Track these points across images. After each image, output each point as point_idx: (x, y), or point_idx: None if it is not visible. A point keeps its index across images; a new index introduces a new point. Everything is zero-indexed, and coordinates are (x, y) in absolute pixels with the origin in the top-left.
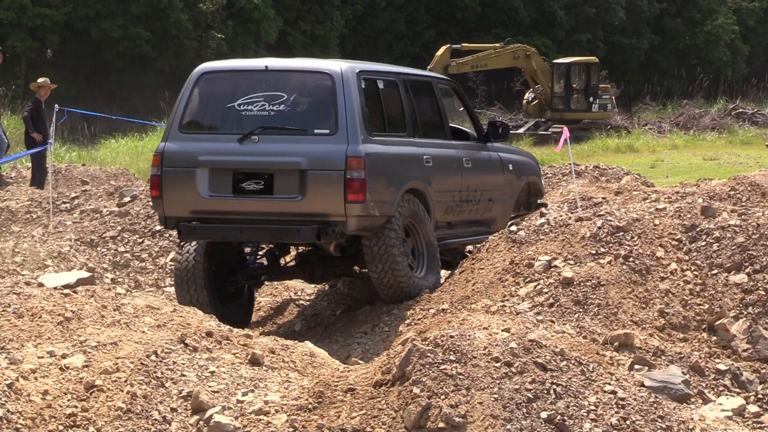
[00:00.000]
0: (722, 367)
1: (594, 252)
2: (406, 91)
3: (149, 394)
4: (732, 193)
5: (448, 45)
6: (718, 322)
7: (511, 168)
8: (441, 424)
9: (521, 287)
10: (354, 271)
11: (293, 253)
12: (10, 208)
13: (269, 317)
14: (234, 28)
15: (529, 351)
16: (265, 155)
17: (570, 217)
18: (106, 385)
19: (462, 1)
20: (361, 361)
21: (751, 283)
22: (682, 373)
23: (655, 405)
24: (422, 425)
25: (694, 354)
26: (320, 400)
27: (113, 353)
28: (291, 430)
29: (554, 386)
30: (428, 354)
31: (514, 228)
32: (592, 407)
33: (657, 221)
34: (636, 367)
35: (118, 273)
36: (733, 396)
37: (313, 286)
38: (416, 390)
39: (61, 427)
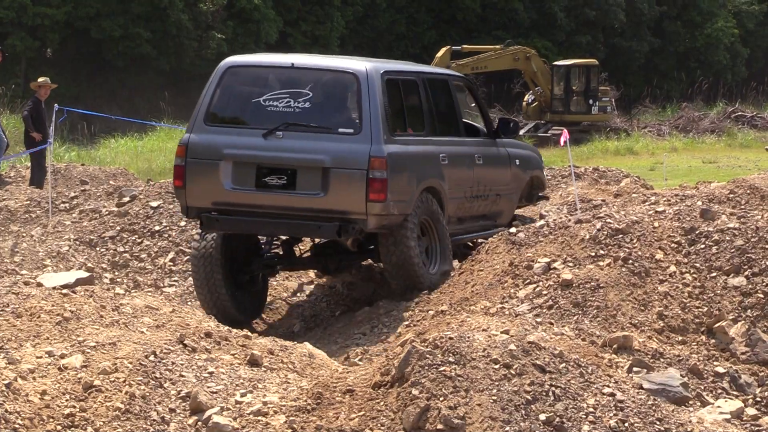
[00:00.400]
0: (721, 369)
1: (593, 254)
2: (425, 90)
3: (148, 394)
4: (731, 196)
5: (449, 46)
6: (716, 325)
7: (517, 163)
8: (440, 426)
9: (520, 289)
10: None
11: (308, 243)
12: (9, 207)
13: (268, 318)
14: (234, 28)
15: (528, 353)
16: (289, 151)
17: (569, 220)
18: (104, 386)
19: (462, 3)
20: (360, 363)
21: (750, 286)
22: (681, 375)
23: (653, 407)
24: (421, 427)
25: (693, 357)
26: (319, 401)
27: (112, 353)
28: (290, 431)
29: (553, 388)
30: (427, 355)
31: (513, 230)
32: (591, 409)
33: (656, 224)
34: (635, 369)
35: (117, 273)
36: (731, 399)
37: (312, 286)
38: (415, 391)
39: (59, 428)
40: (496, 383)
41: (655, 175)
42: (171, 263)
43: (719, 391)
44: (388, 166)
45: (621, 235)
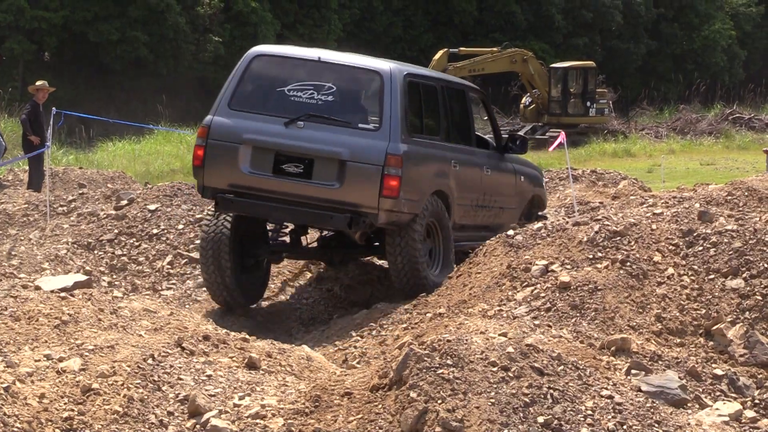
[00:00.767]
0: (719, 372)
1: (591, 256)
2: (443, 97)
3: (146, 397)
4: (729, 198)
5: (446, 49)
6: (714, 327)
7: (522, 179)
8: (438, 429)
9: (518, 291)
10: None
11: (314, 234)
12: (7, 211)
13: (266, 320)
14: (231, 31)
15: (526, 355)
16: (309, 141)
17: (567, 222)
18: (102, 389)
19: (459, 5)
20: (358, 366)
21: (748, 288)
22: (679, 378)
23: (651, 410)
24: (419, 430)
25: (691, 359)
26: (317, 404)
27: (110, 357)
28: None
29: (551, 391)
30: (425, 358)
31: (511, 232)
32: (589, 412)
33: (654, 226)
34: (633, 371)
35: (114, 276)
36: (729, 401)
37: (311, 288)
38: (413, 394)
39: (57, 431)
40: (494, 386)
41: (652, 177)
42: (169, 266)
43: (718, 393)
44: (403, 164)
45: (619, 238)
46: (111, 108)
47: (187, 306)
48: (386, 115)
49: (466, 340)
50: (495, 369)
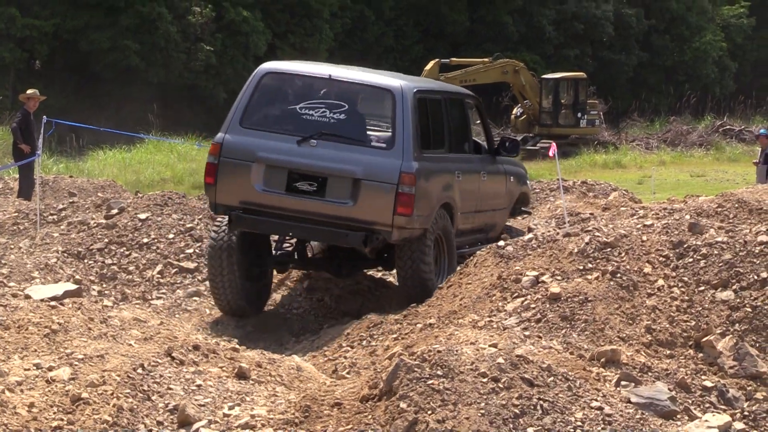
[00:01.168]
0: (708, 383)
1: (581, 268)
2: (446, 109)
3: (135, 407)
4: (719, 209)
5: (437, 59)
6: (704, 339)
7: (511, 179)
8: None
9: (508, 302)
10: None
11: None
12: None
13: (256, 330)
14: (223, 40)
15: (516, 366)
16: (323, 159)
17: (558, 233)
18: (92, 398)
19: (451, 16)
20: (348, 376)
21: (738, 300)
22: (669, 389)
23: (641, 421)
24: None
25: (681, 371)
26: (307, 414)
27: (100, 366)
28: None
29: (541, 402)
30: (415, 369)
31: (501, 243)
32: (579, 423)
33: (644, 237)
34: (622, 383)
35: (104, 285)
36: (719, 413)
37: (301, 298)
38: (403, 405)
39: None
40: (485, 397)
41: (643, 188)
42: (159, 276)
43: (707, 405)
44: (417, 182)
45: (609, 249)
46: (101, 116)
47: (177, 315)
48: (399, 133)
49: (457, 350)
50: (485, 380)
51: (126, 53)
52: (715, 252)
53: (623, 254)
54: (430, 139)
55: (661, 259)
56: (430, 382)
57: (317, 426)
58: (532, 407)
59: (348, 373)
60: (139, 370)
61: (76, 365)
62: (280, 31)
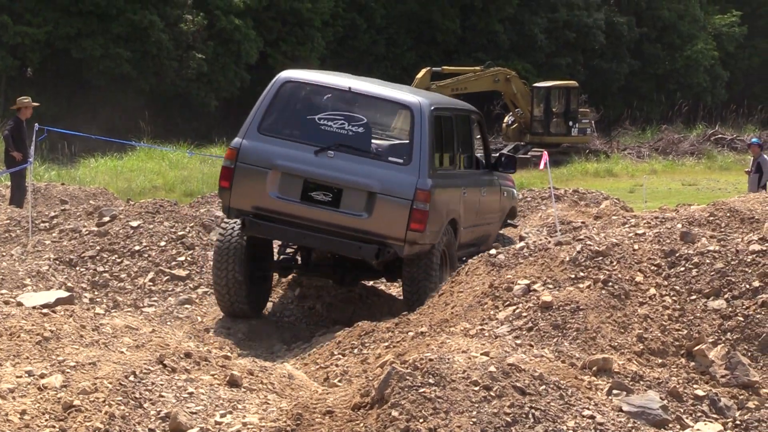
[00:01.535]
0: (700, 392)
1: (573, 276)
2: (455, 126)
3: (127, 414)
4: (711, 218)
5: (429, 67)
6: (696, 348)
7: (505, 194)
8: None
9: (500, 311)
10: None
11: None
12: None
13: (248, 338)
14: (215, 48)
15: (508, 375)
16: (339, 171)
17: (549, 241)
18: (84, 406)
19: (443, 24)
20: (340, 384)
21: (730, 309)
22: (660, 398)
23: (633, 430)
24: None
25: (673, 379)
26: (299, 422)
27: (91, 373)
28: None
29: (533, 410)
30: (407, 377)
31: (493, 251)
32: None
33: (636, 246)
34: (614, 391)
35: (96, 293)
36: (711, 422)
37: (293, 306)
38: (395, 413)
39: None
40: (476, 405)
41: (634, 197)
42: (151, 283)
43: (699, 414)
44: (431, 199)
45: (601, 258)
46: (93, 124)
47: (168, 323)
48: (416, 149)
49: (448, 359)
50: (477, 388)
51: (118, 61)
52: (707, 261)
53: (615, 263)
54: (442, 156)
55: (652, 267)
56: (421, 390)
57: None
58: (524, 416)
59: (340, 381)
60: (131, 378)
61: (68, 372)
62: (272, 39)
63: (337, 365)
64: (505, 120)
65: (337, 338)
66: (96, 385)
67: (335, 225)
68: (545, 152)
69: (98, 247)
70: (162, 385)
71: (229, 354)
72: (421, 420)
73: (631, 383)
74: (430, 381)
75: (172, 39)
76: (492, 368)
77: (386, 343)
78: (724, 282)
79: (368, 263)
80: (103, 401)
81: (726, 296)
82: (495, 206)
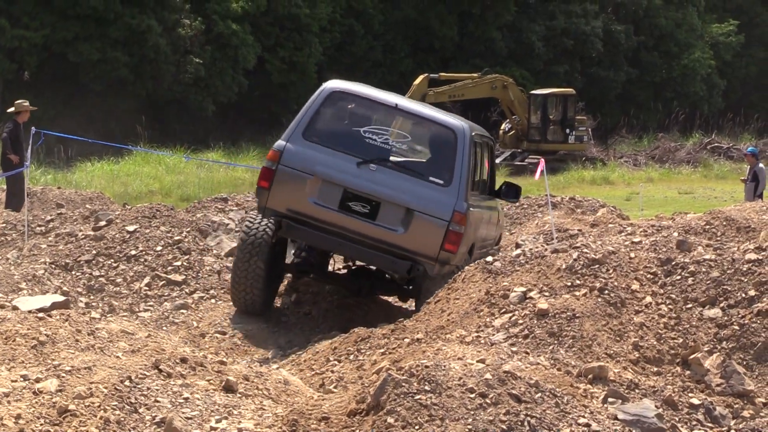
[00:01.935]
0: (695, 401)
1: (569, 284)
2: (482, 151)
3: (122, 419)
4: (707, 227)
5: (426, 74)
6: (692, 357)
7: (500, 222)
8: None
9: (496, 318)
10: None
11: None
12: None
13: (244, 343)
14: (212, 53)
15: (504, 382)
16: (380, 185)
17: (546, 249)
18: (79, 410)
19: (440, 31)
20: (336, 390)
21: (726, 318)
22: (656, 406)
23: None
24: None
25: (668, 388)
26: (294, 428)
27: (87, 378)
28: None
29: (528, 418)
30: (403, 384)
31: (489, 258)
32: None
33: (632, 254)
34: (610, 400)
35: (92, 297)
36: (706, 431)
37: (289, 311)
38: (390, 420)
39: None
40: (472, 412)
41: (631, 205)
42: (146, 288)
43: (694, 422)
44: (466, 221)
45: (597, 266)
46: (90, 128)
47: (164, 328)
48: (456, 172)
49: (444, 366)
50: (473, 395)
51: (115, 65)
52: (703, 269)
53: (611, 271)
54: (474, 181)
55: (648, 276)
56: (417, 397)
57: None
58: (520, 423)
59: (335, 387)
60: (127, 383)
61: (63, 377)
62: (270, 44)
63: (332, 371)
64: (502, 127)
65: (333, 344)
66: (91, 389)
67: (369, 237)
68: (542, 160)
69: (94, 252)
70: (157, 390)
71: (224, 359)
72: (416, 427)
73: (626, 391)
74: (426, 388)
75: (170, 43)
76: (488, 375)
77: (382, 350)
78: (719, 291)
79: (390, 278)
80: (99, 406)
81: (722, 305)
82: (493, 233)
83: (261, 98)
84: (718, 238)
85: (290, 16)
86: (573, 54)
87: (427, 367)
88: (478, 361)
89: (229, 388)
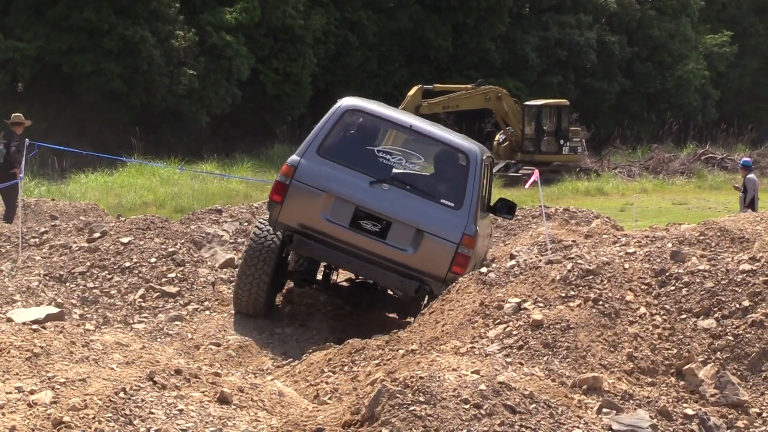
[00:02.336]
0: (690, 411)
1: (564, 295)
2: (487, 172)
3: (117, 431)
4: (701, 238)
5: (420, 85)
6: (686, 367)
7: (491, 236)
8: None
9: (491, 329)
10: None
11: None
12: None
13: (238, 354)
14: (206, 64)
15: (498, 393)
16: (392, 204)
17: (540, 260)
18: (74, 422)
19: (435, 42)
20: (330, 401)
21: (720, 329)
22: (650, 417)
23: None
24: None
25: (662, 398)
26: None
27: (81, 390)
28: None
29: (523, 429)
30: (398, 395)
31: (484, 270)
32: None
33: (627, 265)
34: (604, 410)
35: (86, 309)
36: None
37: (283, 322)
38: (385, 431)
39: None
40: (467, 423)
41: (625, 216)
42: (141, 299)
43: None
44: (474, 245)
45: (591, 276)
46: (84, 140)
47: (159, 340)
48: (468, 195)
49: (439, 377)
50: (467, 406)
51: (109, 76)
52: (697, 280)
53: (605, 282)
54: (481, 202)
55: (643, 286)
56: (412, 408)
57: None
58: None
59: (330, 398)
60: (121, 394)
61: (57, 389)
62: (264, 55)
63: (327, 382)
64: (496, 138)
65: (327, 355)
66: (86, 401)
67: (379, 255)
68: (536, 170)
69: (88, 263)
70: (152, 401)
71: (219, 371)
72: None
73: (621, 402)
74: (421, 399)
75: (164, 55)
76: (482, 386)
77: (377, 361)
78: (714, 301)
79: (393, 294)
80: (93, 418)
81: (716, 315)
82: (484, 250)
83: (255, 110)
84: (712, 249)
85: (284, 28)
86: (567, 65)
87: (421, 378)
88: (472, 372)
89: (223, 400)
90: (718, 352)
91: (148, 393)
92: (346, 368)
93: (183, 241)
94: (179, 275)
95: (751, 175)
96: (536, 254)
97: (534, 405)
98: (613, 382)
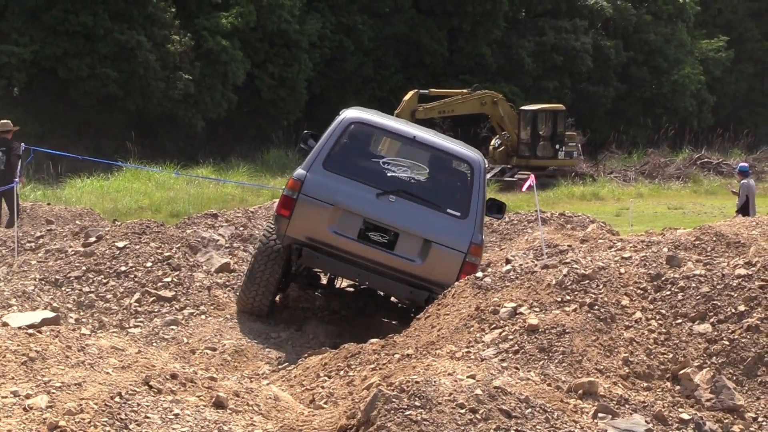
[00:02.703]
0: (685, 416)
1: (559, 299)
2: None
3: None
4: (697, 242)
5: (416, 90)
6: (681, 372)
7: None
8: None
9: (486, 334)
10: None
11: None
12: None
13: (234, 359)
14: (202, 69)
15: (494, 398)
16: (399, 216)
17: (536, 265)
18: (69, 427)
19: (430, 47)
20: (326, 406)
21: (715, 333)
22: (646, 422)
23: None
24: None
25: (658, 403)
26: None
27: (77, 394)
28: None
29: None
30: (393, 399)
31: (480, 274)
32: None
33: (622, 270)
34: (600, 415)
35: (82, 313)
36: None
37: (279, 327)
38: None
39: None
40: (462, 428)
41: (620, 220)
42: (137, 304)
43: None
44: (482, 253)
45: (587, 281)
46: (80, 144)
47: (154, 344)
48: (474, 204)
49: (434, 381)
50: (463, 411)
51: (104, 81)
52: (693, 285)
53: (601, 286)
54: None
55: (638, 291)
56: (407, 412)
57: None
58: None
59: (326, 403)
60: (117, 399)
61: (53, 393)
62: (259, 60)
63: (323, 387)
64: (491, 143)
65: (323, 360)
66: (81, 405)
67: (387, 266)
68: (532, 175)
69: (84, 268)
70: (148, 406)
71: (215, 375)
72: None
73: (616, 407)
74: (416, 403)
75: (159, 59)
76: (478, 391)
77: (372, 366)
78: (709, 306)
79: (398, 302)
80: (89, 422)
81: (712, 320)
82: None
83: (251, 114)
84: (708, 254)
85: (280, 32)
86: (562, 70)
87: (417, 382)
88: (468, 377)
89: (219, 404)
90: (714, 357)
91: (143, 397)
92: (341, 373)
93: (179, 245)
94: (175, 279)
95: (745, 180)
96: (532, 259)
97: (530, 410)
98: (608, 386)
